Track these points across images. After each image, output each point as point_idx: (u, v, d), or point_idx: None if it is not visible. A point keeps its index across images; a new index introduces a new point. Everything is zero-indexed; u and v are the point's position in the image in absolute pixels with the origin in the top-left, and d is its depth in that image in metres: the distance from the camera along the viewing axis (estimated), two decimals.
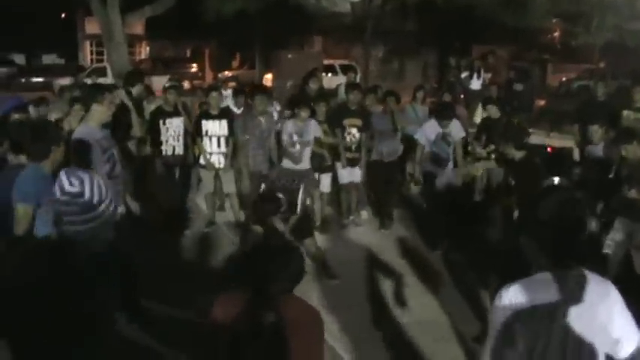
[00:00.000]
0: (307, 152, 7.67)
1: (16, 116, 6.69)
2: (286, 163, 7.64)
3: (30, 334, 2.63)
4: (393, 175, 8.70)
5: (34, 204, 4.01)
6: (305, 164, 7.67)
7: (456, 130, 7.79)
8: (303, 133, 7.60)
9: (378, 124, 8.22)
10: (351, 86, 8.80)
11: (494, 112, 8.72)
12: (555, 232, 2.27)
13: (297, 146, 7.59)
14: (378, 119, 8.27)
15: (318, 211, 8.08)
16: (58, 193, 3.70)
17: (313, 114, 7.94)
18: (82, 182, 3.73)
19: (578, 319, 2.23)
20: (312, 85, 9.23)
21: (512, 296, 2.28)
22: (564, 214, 2.25)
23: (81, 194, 3.36)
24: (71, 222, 3.78)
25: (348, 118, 7.99)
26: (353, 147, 8.01)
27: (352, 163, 8.07)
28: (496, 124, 8.50)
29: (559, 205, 2.26)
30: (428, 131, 7.79)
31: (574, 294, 2.22)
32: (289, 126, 7.65)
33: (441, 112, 7.89)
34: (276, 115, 8.95)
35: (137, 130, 7.62)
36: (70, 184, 3.65)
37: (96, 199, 3.73)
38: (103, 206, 3.64)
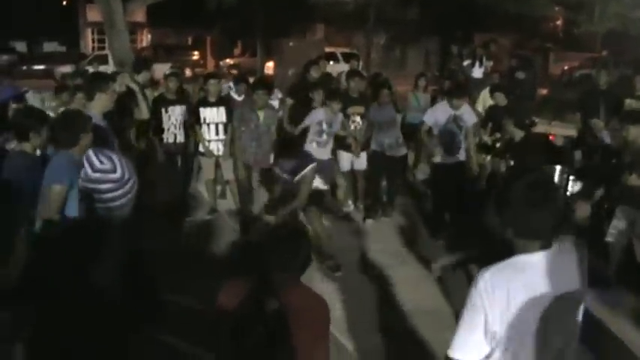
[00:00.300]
0: (331, 143, 7.74)
1: (14, 106, 6.70)
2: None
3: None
4: (396, 170, 8.50)
5: (67, 185, 4.03)
6: (327, 154, 7.71)
7: (469, 114, 7.51)
8: (332, 124, 7.62)
9: (376, 116, 8.08)
10: (351, 74, 8.75)
11: (501, 99, 8.57)
12: (524, 214, 2.21)
13: (324, 136, 7.63)
14: (375, 111, 8.12)
15: (342, 197, 8.17)
16: (89, 171, 3.74)
17: (311, 101, 7.94)
18: (111, 159, 3.78)
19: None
20: (314, 73, 9.19)
21: (514, 281, 2.22)
22: (531, 195, 2.19)
23: (113, 170, 3.40)
24: (101, 200, 3.81)
25: (351, 106, 7.97)
26: (357, 135, 8.00)
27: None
28: (503, 111, 8.38)
29: (527, 187, 2.21)
30: (438, 114, 7.44)
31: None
32: (320, 113, 7.64)
33: (452, 92, 7.62)
34: (277, 104, 8.92)
35: (144, 112, 7.60)
36: (101, 162, 3.69)
37: (126, 175, 3.78)
38: (131, 182, 3.67)
